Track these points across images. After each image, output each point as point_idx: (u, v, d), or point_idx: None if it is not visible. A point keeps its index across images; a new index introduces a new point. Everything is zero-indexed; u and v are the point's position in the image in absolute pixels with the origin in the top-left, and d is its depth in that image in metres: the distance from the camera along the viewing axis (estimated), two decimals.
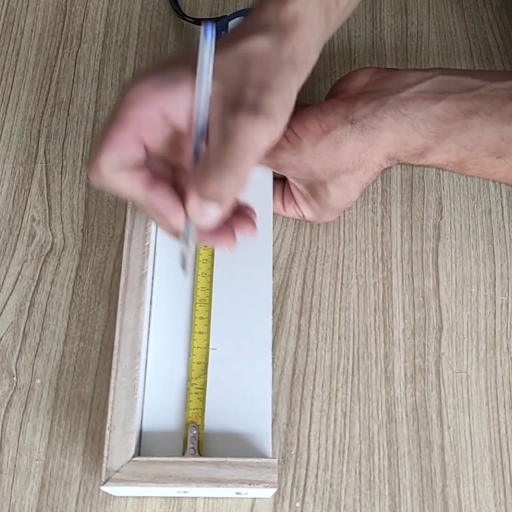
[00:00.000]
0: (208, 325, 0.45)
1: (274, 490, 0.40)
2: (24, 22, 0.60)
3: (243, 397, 0.44)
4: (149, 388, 0.44)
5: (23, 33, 0.59)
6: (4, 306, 0.49)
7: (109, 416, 0.41)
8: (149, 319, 0.46)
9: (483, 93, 0.43)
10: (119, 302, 0.44)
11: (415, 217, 0.52)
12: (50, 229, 0.51)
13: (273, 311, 0.49)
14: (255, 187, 0.49)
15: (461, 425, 0.46)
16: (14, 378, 0.47)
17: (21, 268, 0.50)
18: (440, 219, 0.52)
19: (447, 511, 0.44)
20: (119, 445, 0.40)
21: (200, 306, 0.46)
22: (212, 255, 0.47)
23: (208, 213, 0.35)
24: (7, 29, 0.59)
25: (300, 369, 0.47)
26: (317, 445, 0.45)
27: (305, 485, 0.44)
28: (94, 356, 0.47)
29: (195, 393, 0.44)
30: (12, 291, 0.49)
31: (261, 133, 0.35)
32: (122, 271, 0.45)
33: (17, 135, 0.55)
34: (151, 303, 0.46)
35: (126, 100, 0.37)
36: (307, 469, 0.45)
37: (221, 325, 0.46)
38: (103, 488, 0.40)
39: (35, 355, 0.48)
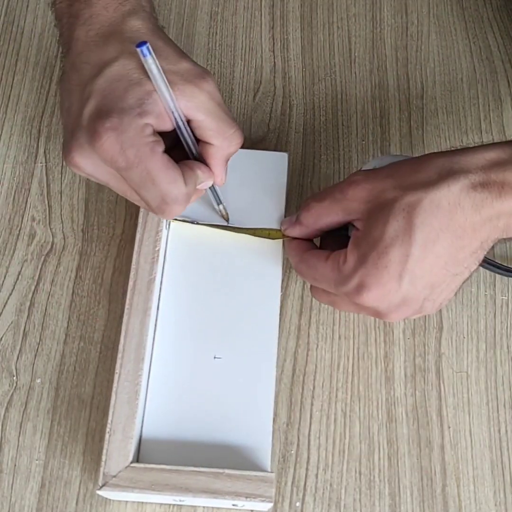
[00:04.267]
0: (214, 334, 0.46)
1: (270, 505, 0.40)
2: (24, 22, 0.60)
3: (245, 408, 0.44)
4: (152, 394, 0.44)
5: (23, 33, 0.59)
6: (4, 306, 0.49)
7: (109, 420, 0.41)
8: (155, 325, 0.46)
9: None
10: (126, 306, 0.44)
11: None
12: (50, 228, 0.51)
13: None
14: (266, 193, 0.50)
15: (461, 424, 0.46)
16: (14, 377, 0.47)
17: (21, 268, 0.50)
18: None
19: (447, 510, 0.44)
20: (117, 450, 0.40)
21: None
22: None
23: None
24: (7, 29, 0.59)
25: (300, 369, 0.47)
26: (317, 444, 0.45)
27: (305, 484, 0.44)
28: (94, 355, 0.47)
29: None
30: (12, 290, 0.49)
31: None
32: (131, 275, 0.45)
33: (17, 135, 0.55)
34: (158, 309, 0.46)
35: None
36: (307, 469, 0.45)
37: (227, 332, 0.46)
38: (100, 492, 0.40)
39: (35, 355, 0.47)
